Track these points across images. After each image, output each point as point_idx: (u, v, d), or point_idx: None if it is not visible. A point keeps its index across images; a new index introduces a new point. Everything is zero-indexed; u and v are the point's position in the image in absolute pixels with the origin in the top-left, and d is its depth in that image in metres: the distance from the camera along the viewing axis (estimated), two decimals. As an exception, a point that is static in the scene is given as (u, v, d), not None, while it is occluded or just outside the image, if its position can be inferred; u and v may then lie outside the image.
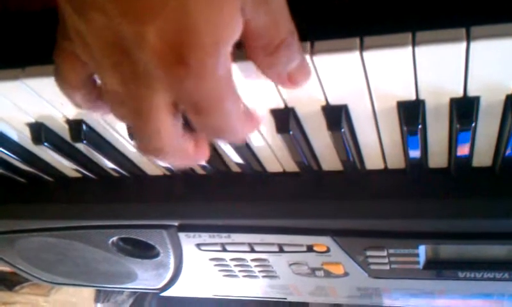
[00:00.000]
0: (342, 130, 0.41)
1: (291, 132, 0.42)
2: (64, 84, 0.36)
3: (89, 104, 0.38)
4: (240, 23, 0.29)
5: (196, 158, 0.37)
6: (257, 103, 0.41)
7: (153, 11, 0.26)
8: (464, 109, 0.38)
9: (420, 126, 0.40)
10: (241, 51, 0.32)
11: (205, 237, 0.58)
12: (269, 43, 0.31)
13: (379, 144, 0.45)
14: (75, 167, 0.56)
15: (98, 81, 0.36)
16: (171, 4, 0.26)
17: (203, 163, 0.38)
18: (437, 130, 0.42)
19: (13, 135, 0.53)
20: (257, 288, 0.70)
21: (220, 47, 0.28)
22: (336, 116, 0.41)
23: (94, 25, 0.28)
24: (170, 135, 0.32)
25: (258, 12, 0.29)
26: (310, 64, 0.36)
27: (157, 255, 0.64)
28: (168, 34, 0.27)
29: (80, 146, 0.52)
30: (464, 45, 0.33)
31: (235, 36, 0.29)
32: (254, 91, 0.40)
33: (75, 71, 0.35)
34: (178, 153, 0.34)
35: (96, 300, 1.33)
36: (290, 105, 0.42)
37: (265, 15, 0.30)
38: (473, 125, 0.39)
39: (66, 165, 0.56)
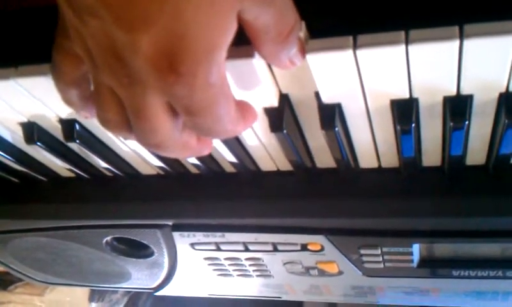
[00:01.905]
0: (336, 128, 0.41)
1: (285, 131, 0.42)
2: (60, 79, 0.37)
3: (81, 103, 0.38)
4: (235, 27, 0.29)
5: (201, 150, 0.37)
6: (250, 102, 0.41)
7: (147, 20, 0.26)
8: (457, 108, 0.38)
9: (413, 125, 0.40)
10: (234, 49, 0.32)
11: (199, 236, 0.58)
12: (280, 33, 0.32)
13: (372, 143, 0.45)
14: (68, 166, 0.56)
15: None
16: (165, 14, 0.26)
17: (206, 153, 0.38)
18: (431, 128, 0.42)
19: (6, 135, 0.53)
20: (252, 287, 0.70)
21: (213, 55, 0.28)
22: (330, 114, 0.40)
23: (90, 28, 0.28)
24: (168, 131, 0.33)
25: (264, 6, 0.30)
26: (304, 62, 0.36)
27: (151, 255, 0.64)
28: (160, 43, 0.27)
29: (74, 146, 0.52)
30: (457, 43, 0.33)
31: (229, 41, 0.29)
32: (247, 90, 0.40)
33: (72, 67, 0.36)
34: (180, 146, 0.35)
35: (91, 299, 1.33)
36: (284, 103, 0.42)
37: (271, 6, 0.30)
38: (467, 123, 0.39)
39: (59, 165, 0.56)
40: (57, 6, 0.32)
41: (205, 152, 0.38)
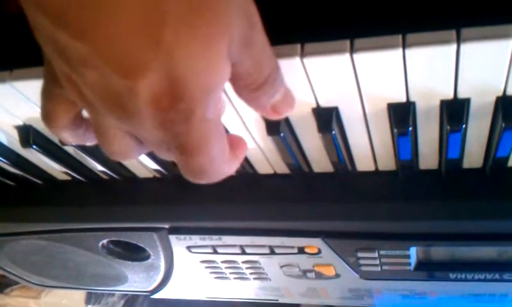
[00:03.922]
0: (333, 132, 0.41)
1: (282, 135, 0.42)
2: (54, 125, 0.36)
3: (78, 139, 0.38)
4: (229, 66, 0.29)
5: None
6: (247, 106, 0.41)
7: (142, 66, 0.26)
8: (454, 111, 0.38)
9: (410, 128, 0.40)
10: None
11: (195, 239, 0.58)
12: (253, 82, 0.32)
13: (370, 146, 0.45)
14: (64, 169, 0.55)
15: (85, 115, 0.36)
16: (159, 58, 0.26)
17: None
18: (428, 131, 0.42)
19: (1, 138, 0.53)
20: (248, 290, 0.69)
21: (209, 94, 0.28)
22: (327, 118, 0.40)
23: (85, 78, 0.28)
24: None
25: (242, 56, 0.30)
26: (301, 67, 0.36)
27: (147, 258, 0.64)
28: (158, 86, 0.27)
29: (70, 149, 0.52)
30: (454, 46, 0.33)
31: (225, 79, 0.29)
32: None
33: (65, 112, 0.36)
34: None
35: (87, 302, 1.32)
36: (280, 107, 0.42)
37: (249, 57, 0.30)
38: (464, 126, 0.39)
39: (55, 168, 0.56)
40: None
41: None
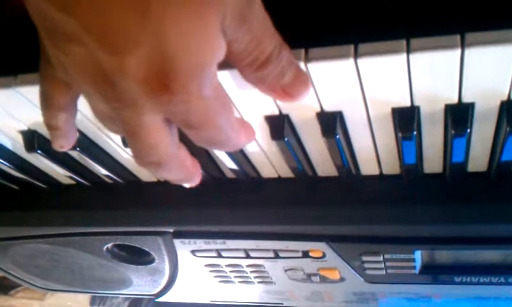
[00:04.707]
0: (337, 136, 0.41)
1: (286, 139, 0.42)
2: (50, 106, 0.36)
3: (67, 127, 0.38)
4: (222, 43, 0.28)
5: (193, 173, 0.37)
6: (252, 110, 0.41)
7: (132, 42, 0.26)
8: (459, 115, 0.38)
9: (415, 133, 0.39)
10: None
11: (200, 243, 0.58)
12: (255, 60, 0.31)
13: (374, 150, 0.45)
14: (68, 174, 0.55)
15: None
16: (148, 33, 0.26)
17: (196, 182, 0.38)
18: (432, 136, 0.42)
19: (6, 143, 0.53)
20: (253, 294, 0.69)
21: (202, 70, 0.28)
22: (331, 122, 0.40)
23: (74, 58, 0.28)
24: (166, 147, 0.32)
25: (240, 33, 0.29)
26: (305, 71, 0.36)
27: (152, 261, 0.64)
28: (148, 63, 0.26)
29: (74, 153, 0.52)
30: (458, 51, 0.33)
31: (218, 56, 0.29)
32: (248, 99, 0.40)
33: (58, 92, 0.35)
34: (178, 164, 0.34)
35: (92, 303, 1.33)
36: (284, 111, 0.42)
37: (247, 34, 0.29)
38: (468, 131, 0.39)
39: (59, 173, 0.56)
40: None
41: (197, 174, 0.38)
